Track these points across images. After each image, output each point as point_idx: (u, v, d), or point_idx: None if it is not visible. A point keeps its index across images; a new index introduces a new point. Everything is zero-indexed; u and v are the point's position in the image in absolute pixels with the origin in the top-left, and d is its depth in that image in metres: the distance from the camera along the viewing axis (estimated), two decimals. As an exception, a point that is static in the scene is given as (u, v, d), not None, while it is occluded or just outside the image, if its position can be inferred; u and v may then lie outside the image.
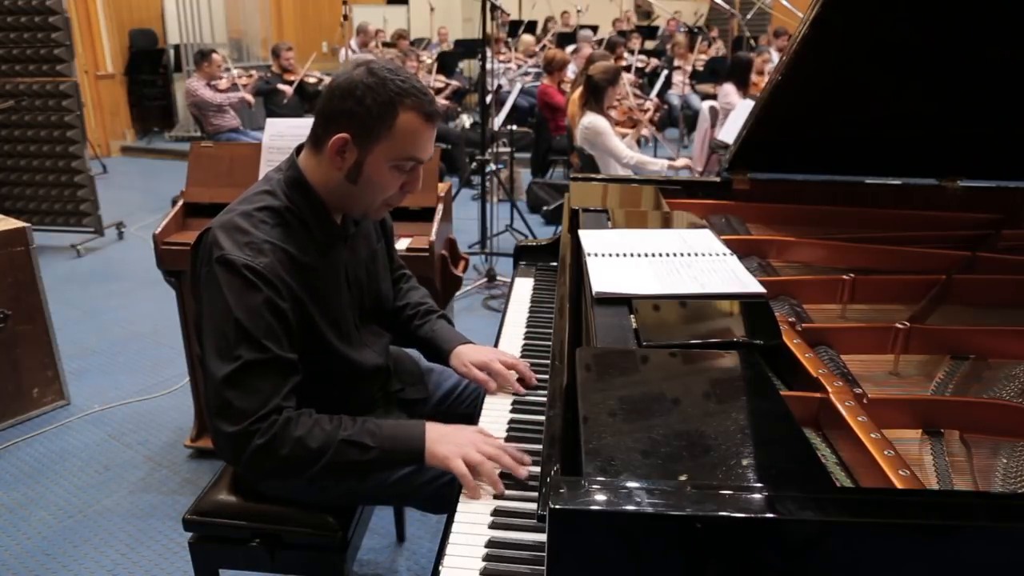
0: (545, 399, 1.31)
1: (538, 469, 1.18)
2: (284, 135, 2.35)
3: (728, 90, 5.67)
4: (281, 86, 6.70)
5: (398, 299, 1.77)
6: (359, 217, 1.49)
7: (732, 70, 5.96)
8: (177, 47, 8.64)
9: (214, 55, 6.05)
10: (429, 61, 7.76)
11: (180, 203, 2.53)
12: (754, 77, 6.03)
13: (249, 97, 6.22)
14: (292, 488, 1.49)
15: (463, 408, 1.71)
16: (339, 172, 1.38)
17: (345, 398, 1.49)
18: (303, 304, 1.38)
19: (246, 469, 1.32)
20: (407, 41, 8.99)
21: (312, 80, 6.84)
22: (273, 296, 1.30)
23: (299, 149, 1.46)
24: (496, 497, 1.20)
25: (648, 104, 6.11)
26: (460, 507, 1.17)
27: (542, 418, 1.32)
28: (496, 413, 1.44)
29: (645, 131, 5.24)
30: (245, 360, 1.27)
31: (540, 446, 1.24)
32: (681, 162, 4.31)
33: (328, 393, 1.43)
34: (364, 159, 1.36)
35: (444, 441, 1.31)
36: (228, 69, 6.22)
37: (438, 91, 7.27)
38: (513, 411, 1.45)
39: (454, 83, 7.73)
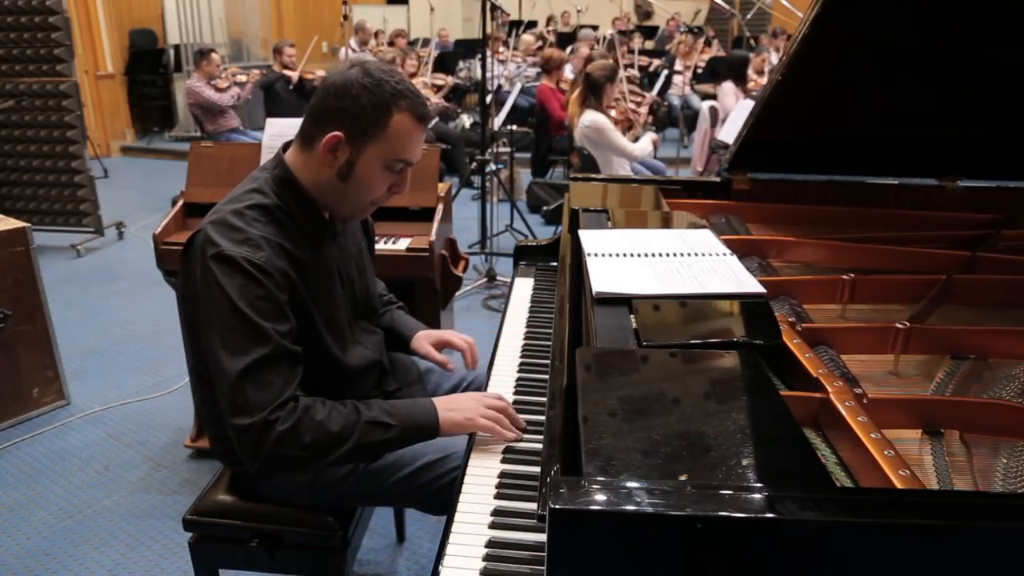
0: (545, 399, 1.31)
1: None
2: (284, 135, 2.34)
3: (727, 89, 5.68)
4: (287, 72, 6.69)
5: None
6: (346, 217, 1.49)
7: (728, 67, 5.97)
8: (177, 47, 8.64)
9: (212, 54, 6.05)
10: (427, 59, 7.74)
11: (180, 203, 2.53)
12: (754, 76, 6.03)
13: (248, 94, 6.21)
14: (292, 490, 1.49)
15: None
16: (331, 170, 1.38)
17: (340, 396, 1.49)
18: (301, 299, 1.38)
19: (269, 461, 1.26)
20: (405, 40, 8.99)
21: (311, 76, 6.82)
22: (274, 289, 1.31)
23: (285, 147, 1.46)
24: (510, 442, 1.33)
25: (645, 104, 6.08)
26: (460, 507, 1.17)
27: (542, 418, 1.32)
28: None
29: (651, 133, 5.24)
30: (257, 354, 1.27)
31: (540, 446, 1.24)
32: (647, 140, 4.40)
33: (322, 391, 1.43)
34: (356, 158, 1.36)
35: (456, 408, 1.35)
36: (226, 68, 6.22)
37: (437, 89, 7.26)
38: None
39: (451, 80, 7.73)
